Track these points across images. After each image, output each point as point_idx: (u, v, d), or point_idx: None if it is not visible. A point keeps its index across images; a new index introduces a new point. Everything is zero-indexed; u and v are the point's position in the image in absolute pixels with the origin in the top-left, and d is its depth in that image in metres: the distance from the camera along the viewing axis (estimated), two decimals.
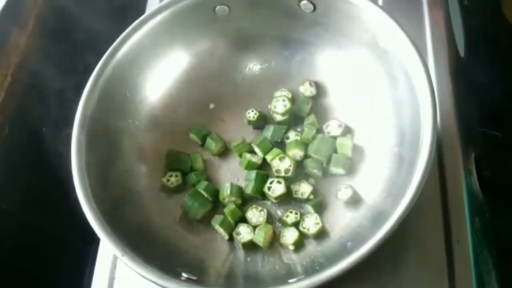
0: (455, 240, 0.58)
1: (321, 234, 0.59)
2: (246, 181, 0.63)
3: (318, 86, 0.68)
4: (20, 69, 0.77)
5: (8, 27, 0.79)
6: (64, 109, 0.63)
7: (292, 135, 0.66)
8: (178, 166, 0.66)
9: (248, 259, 0.59)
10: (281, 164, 0.63)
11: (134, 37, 0.64)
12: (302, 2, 0.64)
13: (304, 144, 0.64)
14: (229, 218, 0.61)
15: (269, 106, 0.67)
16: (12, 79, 0.76)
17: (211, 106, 0.70)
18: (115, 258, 0.62)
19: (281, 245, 0.60)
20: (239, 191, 0.63)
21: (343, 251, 0.54)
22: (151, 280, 0.50)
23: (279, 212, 0.63)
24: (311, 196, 0.61)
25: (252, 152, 0.66)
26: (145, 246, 0.54)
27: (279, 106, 0.66)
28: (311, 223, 0.59)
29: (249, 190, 0.62)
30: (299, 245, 0.59)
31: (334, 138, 0.64)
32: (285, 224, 0.61)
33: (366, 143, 0.63)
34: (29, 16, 0.82)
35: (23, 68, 0.77)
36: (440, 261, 0.57)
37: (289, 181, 0.63)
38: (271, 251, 0.60)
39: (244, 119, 0.68)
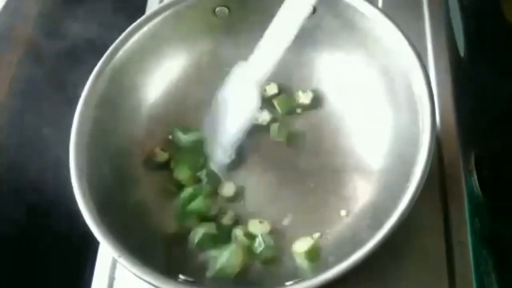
0: (456, 241, 0.58)
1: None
2: None
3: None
4: (20, 69, 0.77)
5: (8, 27, 0.79)
6: (64, 109, 0.63)
7: None
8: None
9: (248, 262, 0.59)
10: None
11: (133, 37, 0.64)
12: None
13: None
14: None
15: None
16: (12, 79, 0.76)
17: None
18: (115, 258, 0.62)
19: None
20: None
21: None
22: (148, 282, 0.50)
23: None
24: None
25: None
26: (143, 248, 0.54)
27: None
28: None
29: None
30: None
31: None
32: None
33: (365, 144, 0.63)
34: (29, 15, 0.82)
35: (23, 68, 0.77)
36: (440, 262, 0.57)
37: None
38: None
39: None
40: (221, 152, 0.64)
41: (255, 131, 0.66)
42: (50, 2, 0.85)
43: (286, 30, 0.60)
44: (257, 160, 0.66)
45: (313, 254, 0.57)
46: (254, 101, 0.62)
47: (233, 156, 0.64)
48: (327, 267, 0.48)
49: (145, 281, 0.50)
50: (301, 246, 0.58)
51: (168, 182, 0.64)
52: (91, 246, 0.63)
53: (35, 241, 0.68)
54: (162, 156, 0.66)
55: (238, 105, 0.63)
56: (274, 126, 0.66)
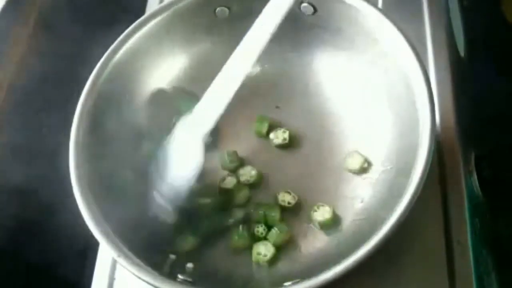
0: (455, 241, 0.58)
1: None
2: None
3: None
4: (20, 69, 0.77)
5: (8, 27, 0.79)
6: (64, 109, 0.63)
7: None
8: None
9: (247, 261, 0.59)
10: None
11: (133, 38, 0.64)
12: (303, 5, 0.64)
13: None
14: None
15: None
16: (12, 79, 0.76)
17: None
18: (115, 258, 0.62)
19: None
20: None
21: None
22: (147, 282, 0.50)
23: None
24: None
25: None
26: (143, 248, 0.54)
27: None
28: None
29: None
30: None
31: None
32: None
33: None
34: (30, 15, 0.82)
35: (23, 68, 0.77)
36: (440, 261, 0.57)
37: None
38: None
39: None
40: (162, 203, 0.61)
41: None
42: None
43: (230, 82, 0.60)
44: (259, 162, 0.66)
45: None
46: (198, 156, 0.60)
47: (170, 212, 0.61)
48: (326, 267, 0.48)
49: (145, 281, 0.50)
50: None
51: None
52: (91, 246, 0.63)
53: (35, 241, 0.68)
54: None
55: (182, 159, 0.61)
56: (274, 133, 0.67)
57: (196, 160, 0.60)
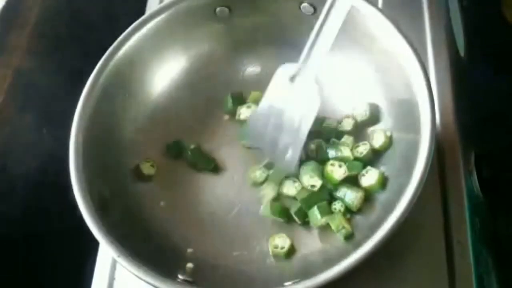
0: (455, 241, 0.58)
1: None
2: None
3: None
4: (20, 69, 0.77)
5: (8, 27, 0.79)
6: (64, 109, 0.63)
7: None
8: None
9: (247, 261, 0.59)
10: None
11: (134, 38, 0.64)
12: (303, 5, 0.64)
13: None
14: None
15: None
16: (12, 79, 0.76)
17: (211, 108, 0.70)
18: (115, 258, 0.63)
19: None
20: None
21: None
22: (147, 282, 0.50)
23: None
24: None
25: None
26: (143, 248, 0.55)
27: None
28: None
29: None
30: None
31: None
32: None
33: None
34: (29, 16, 0.82)
35: (23, 68, 0.77)
36: (440, 261, 0.57)
37: None
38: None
39: None
40: (288, 157, 0.62)
41: None
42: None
43: (330, 28, 0.58)
44: None
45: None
46: (316, 98, 0.60)
47: (304, 157, 0.62)
48: (327, 267, 0.49)
49: (145, 281, 0.50)
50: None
51: None
52: (91, 246, 0.63)
53: (35, 242, 0.68)
54: (149, 170, 0.65)
55: (298, 107, 0.61)
56: None
57: (315, 101, 0.60)
